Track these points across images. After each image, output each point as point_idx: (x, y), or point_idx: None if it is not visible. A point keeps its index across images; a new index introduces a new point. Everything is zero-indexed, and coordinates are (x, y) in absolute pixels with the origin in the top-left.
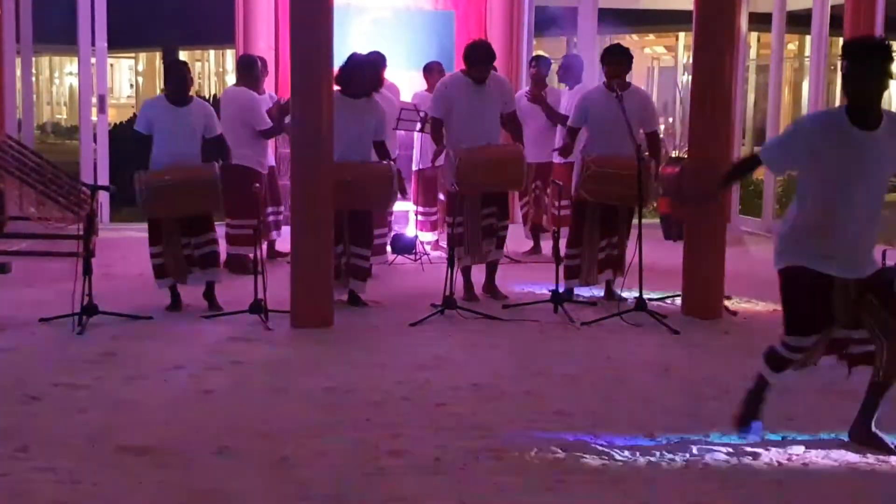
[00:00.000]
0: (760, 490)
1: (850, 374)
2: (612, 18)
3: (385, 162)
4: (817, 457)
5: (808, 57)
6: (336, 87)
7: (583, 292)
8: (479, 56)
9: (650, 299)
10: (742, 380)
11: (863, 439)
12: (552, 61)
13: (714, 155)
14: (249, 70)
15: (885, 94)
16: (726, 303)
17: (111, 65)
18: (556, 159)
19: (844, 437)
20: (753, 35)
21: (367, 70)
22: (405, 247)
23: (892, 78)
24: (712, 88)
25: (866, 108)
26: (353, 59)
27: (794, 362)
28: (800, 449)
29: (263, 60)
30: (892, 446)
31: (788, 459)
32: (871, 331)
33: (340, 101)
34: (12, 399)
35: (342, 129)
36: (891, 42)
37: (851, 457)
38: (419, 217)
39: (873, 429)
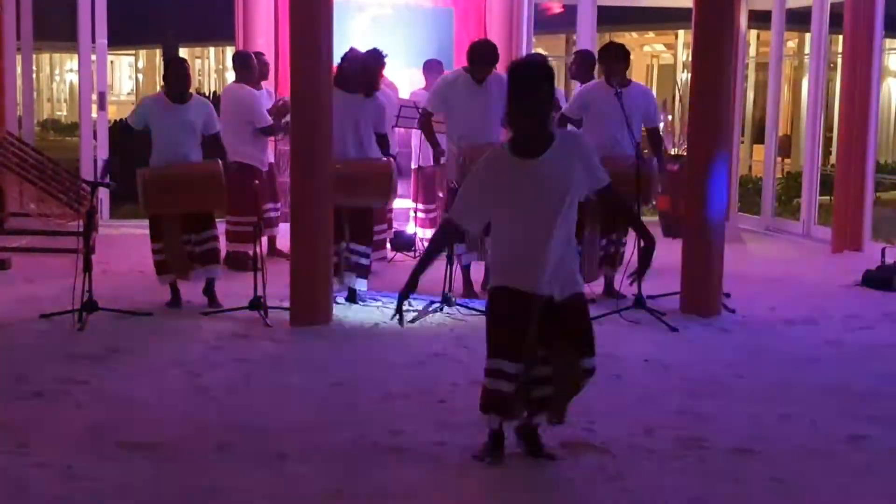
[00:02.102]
0: (760, 486)
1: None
2: (612, 16)
3: (385, 158)
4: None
5: (807, 55)
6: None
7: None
8: (483, 57)
9: (649, 297)
10: (740, 377)
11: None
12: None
13: (713, 153)
14: (245, 66)
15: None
16: (725, 301)
17: (111, 62)
18: None
19: None
20: (753, 33)
21: (360, 65)
22: (405, 244)
23: (549, 98)
24: (711, 86)
25: (525, 139)
26: (347, 55)
27: (501, 398)
28: (800, 445)
29: (260, 55)
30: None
31: (786, 456)
32: (554, 365)
33: (337, 97)
34: (12, 395)
35: (339, 125)
36: (546, 59)
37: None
38: (419, 214)
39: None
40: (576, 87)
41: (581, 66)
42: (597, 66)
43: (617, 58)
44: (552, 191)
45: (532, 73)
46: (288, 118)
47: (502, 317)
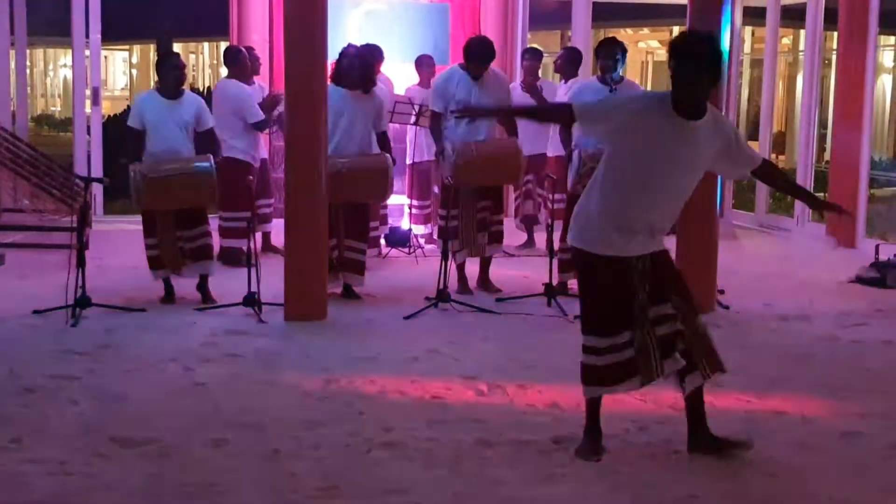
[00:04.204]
0: (753, 482)
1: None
2: (607, 12)
3: (381, 154)
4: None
5: (802, 51)
6: (329, 80)
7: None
8: (480, 53)
9: None
10: (734, 373)
11: (709, 448)
12: (545, 54)
13: None
14: (236, 61)
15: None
16: (719, 297)
17: (105, 57)
18: (550, 152)
19: None
20: (748, 29)
21: (358, 61)
22: (399, 240)
23: (718, 75)
24: None
25: (690, 101)
26: (345, 51)
27: (613, 370)
28: (794, 441)
29: (250, 50)
30: (746, 440)
31: (779, 452)
32: (674, 322)
33: (334, 93)
34: (5, 391)
35: (336, 121)
36: (715, 38)
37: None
38: (413, 210)
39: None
40: (560, 83)
41: (567, 62)
42: (582, 64)
43: (615, 54)
44: (700, 156)
45: (708, 42)
46: (280, 109)
47: (604, 289)
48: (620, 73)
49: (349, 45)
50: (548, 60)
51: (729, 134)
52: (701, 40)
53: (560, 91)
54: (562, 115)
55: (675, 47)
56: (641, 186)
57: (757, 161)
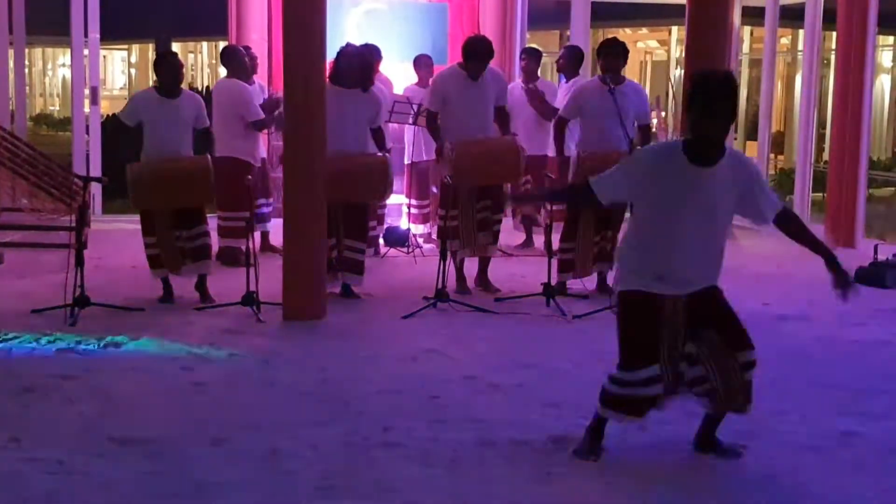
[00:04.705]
0: (753, 483)
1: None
2: (606, 12)
3: (380, 153)
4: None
5: (801, 51)
6: (327, 79)
7: (574, 285)
8: (477, 52)
9: None
10: None
11: (707, 448)
12: (544, 54)
13: None
14: (231, 61)
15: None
16: None
17: (104, 56)
18: (551, 152)
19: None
20: (746, 29)
21: (356, 60)
22: (398, 240)
23: (733, 117)
24: None
25: (706, 146)
26: (344, 50)
27: (632, 403)
28: (793, 441)
29: (248, 49)
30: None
31: (778, 452)
32: (704, 362)
33: (332, 92)
34: (4, 390)
35: (334, 120)
36: (734, 78)
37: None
38: (412, 210)
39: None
40: (560, 81)
41: (569, 60)
42: (583, 63)
43: (617, 55)
44: (722, 201)
45: (728, 82)
46: (281, 110)
47: (634, 323)
48: (622, 74)
49: (348, 45)
50: (546, 60)
51: (751, 175)
52: (724, 80)
53: (561, 90)
54: (584, 197)
55: (697, 84)
56: (663, 235)
57: (778, 206)
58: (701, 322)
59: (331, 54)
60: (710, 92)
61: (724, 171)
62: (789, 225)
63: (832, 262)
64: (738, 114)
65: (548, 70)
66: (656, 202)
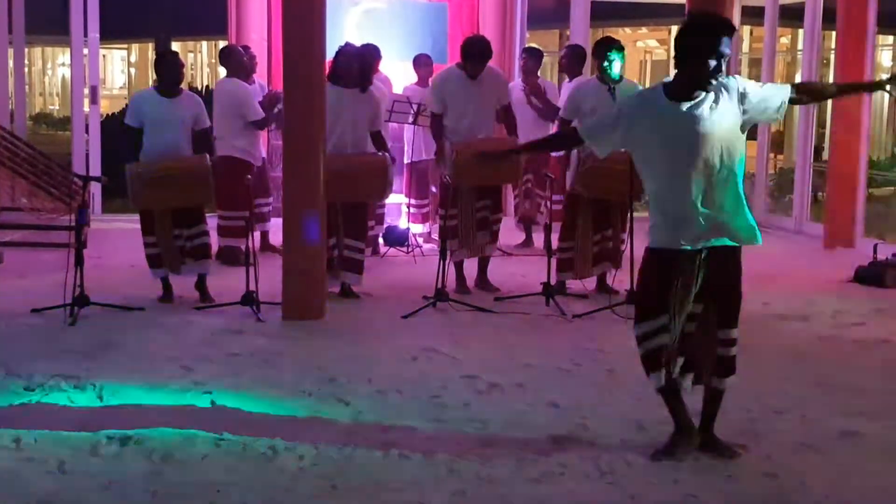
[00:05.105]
0: (753, 482)
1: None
2: (605, 11)
3: (380, 153)
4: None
5: (800, 51)
6: (326, 78)
7: (574, 285)
8: (476, 52)
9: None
10: None
11: (707, 447)
12: (543, 53)
13: None
14: (230, 60)
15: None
16: None
17: (104, 56)
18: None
19: None
20: (746, 28)
21: (356, 60)
22: (397, 239)
23: (722, 56)
24: None
25: (688, 84)
26: (343, 50)
27: (659, 353)
28: (793, 440)
29: (246, 48)
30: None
31: (778, 451)
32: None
33: (331, 92)
34: (3, 390)
35: (333, 120)
36: (719, 20)
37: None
38: (411, 210)
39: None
40: (565, 81)
41: (572, 60)
42: (587, 61)
43: (608, 53)
44: (714, 133)
45: (708, 23)
46: (280, 107)
47: (652, 278)
48: (619, 73)
49: (347, 44)
50: (546, 59)
51: (740, 89)
52: (705, 21)
53: (564, 91)
54: (572, 141)
55: (683, 27)
56: (670, 174)
57: (787, 89)
58: (711, 287)
59: (330, 53)
60: (691, 32)
61: (711, 99)
62: (811, 94)
63: (880, 83)
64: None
65: (548, 69)
66: (652, 143)
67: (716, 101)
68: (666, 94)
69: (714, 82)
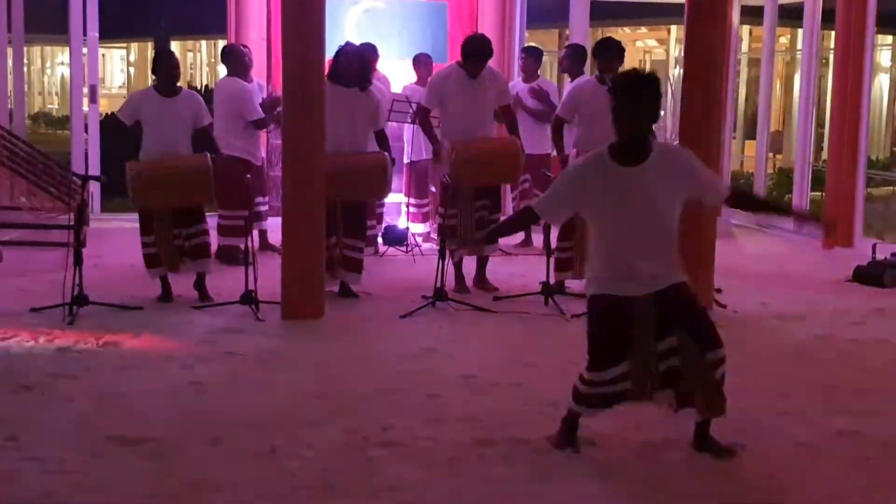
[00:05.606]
0: (753, 482)
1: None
2: (605, 11)
3: (380, 152)
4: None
5: (799, 50)
6: (326, 77)
7: (573, 284)
8: (476, 51)
9: None
10: (731, 373)
11: (705, 447)
12: (543, 52)
13: (705, 148)
14: (231, 59)
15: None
16: (716, 296)
17: (103, 55)
18: (550, 151)
19: None
20: (745, 28)
21: (355, 59)
22: (397, 238)
23: (655, 113)
24: (703, 82)
25: (629, 144)
26: (343, 49)
27: (613, 399)
28: (791, 440)
29: (245, 47)
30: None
31: (776, 451)
32: (681, 361)
33: (331, 91)
34: (2, 389)
35: (333, 119)
36: (656, 75)
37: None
38: (411, 209)
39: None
40: (566, 81)
41: (573, 60)
42: (588, 60)
43: (612, 54)
44: (661, 197)
45: (641, 83)
46: (280, 109)
47: (601, 324)
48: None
49: (347, 44)
50: (546, 59)
51: (683, 164)
52: (642, 80)
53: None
54: (529, 219)
55: (616, 85)
56: (613, 237)
57: (723, 192)
58: (671, 321)
59: (330, 53)
60: (627, 93)
61: (656, 166)
62: (743, 203)
63: (792, 212)
64: (667, 112)
65: (547, 69)
66: (597, 208)
67: (658, 166)
68: (611, 157)
69: (654, 143)
